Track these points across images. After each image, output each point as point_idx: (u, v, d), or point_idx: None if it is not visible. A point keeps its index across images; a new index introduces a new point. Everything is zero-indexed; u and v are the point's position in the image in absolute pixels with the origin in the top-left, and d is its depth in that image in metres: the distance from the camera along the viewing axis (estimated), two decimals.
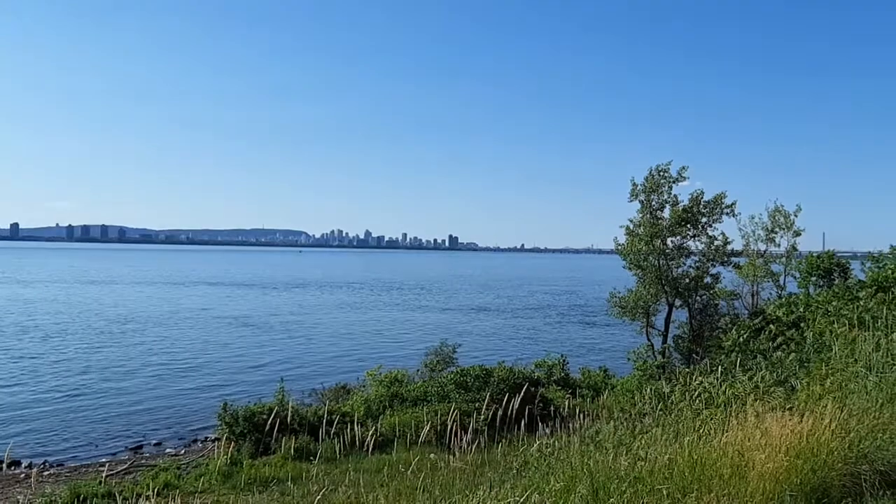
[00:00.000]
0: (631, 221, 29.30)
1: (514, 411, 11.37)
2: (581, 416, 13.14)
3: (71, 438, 25.26)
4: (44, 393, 32.21)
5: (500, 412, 10.98)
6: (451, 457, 10.94)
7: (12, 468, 21.36)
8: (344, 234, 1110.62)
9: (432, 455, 10.55)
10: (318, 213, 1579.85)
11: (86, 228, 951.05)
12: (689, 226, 28.62)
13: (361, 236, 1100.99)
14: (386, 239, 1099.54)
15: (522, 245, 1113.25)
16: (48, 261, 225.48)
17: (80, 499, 15.84)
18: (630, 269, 29.46)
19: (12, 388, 33.08)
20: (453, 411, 11.47)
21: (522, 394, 11.60)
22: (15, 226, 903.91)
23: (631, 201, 29.17)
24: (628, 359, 29.03)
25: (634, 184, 28.89)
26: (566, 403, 16.13)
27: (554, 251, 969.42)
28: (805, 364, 12.27)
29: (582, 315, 76.64)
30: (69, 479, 19.41)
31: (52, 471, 21.23)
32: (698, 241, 29.06)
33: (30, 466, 21.41)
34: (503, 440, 12.16)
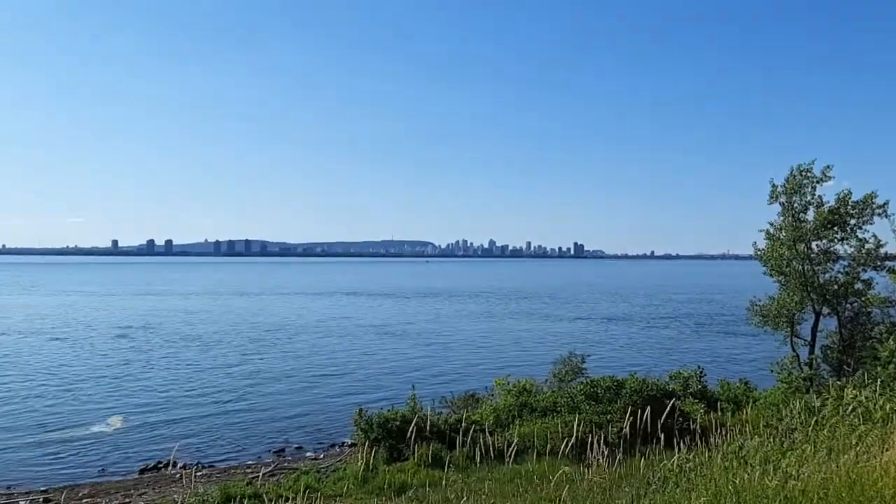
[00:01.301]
0: (771, 225, 27.79)
1: (649, 424, 11.05)
2: (721, 430, 12.59)
3: (220, 442, 26.86)
4: (199, 398, 34.56)
5: (636, 425, 10.70)
6: (587, 469, 10.74)
7: (168, 468, 22.96)
8: (468, 244, 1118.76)
9: (566, 468, 10.40)
10: (443, 223, 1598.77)
11: (231, 243, 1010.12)
12: (836, 228, 26.78)
13: (486, 245, 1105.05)
14: (510, 248, 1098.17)
15: (652, 252, 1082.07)
16: (200, 274, 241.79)
17: (230, 499, 16.71)
18: (771, 275, 27.93)
19: (172, 394, 35.68)
20: (586, 423, 11.28)
21: (659, 407, 11.25)
22: (169, 242, 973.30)
23: (771, 203, 27.65)
24: (771, 370, 27.50)
25: (774, 185, 27.39)
26: (705, 417, 15.50)
27: (686, 258, 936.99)
28: None
29: (719, 324, 73.58)
30: (219, 480, 20.60)
31: (203, 472, 22.59)
32: (847, 244, 27.11)
33: (184, 467, 22.86)
34: (638, 454, 11.83)
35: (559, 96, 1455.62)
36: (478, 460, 12.44)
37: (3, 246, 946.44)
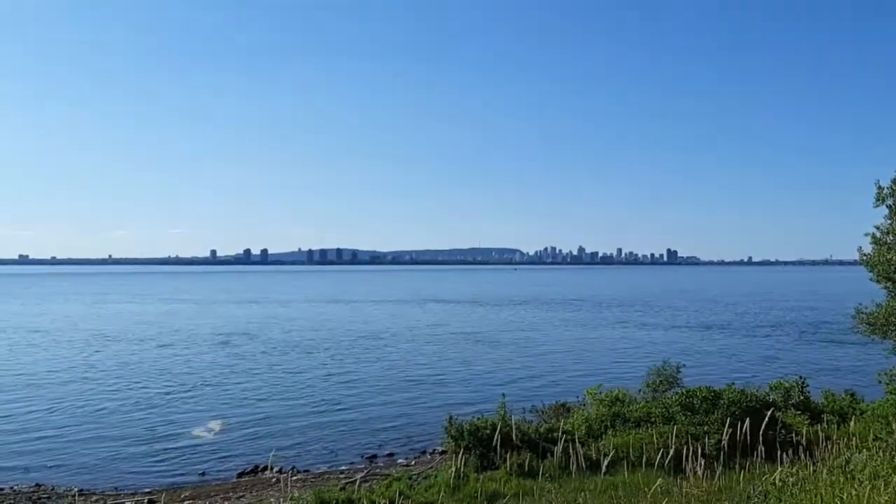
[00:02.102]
0: (878, 228, 26.39)
1: (749, 436, 10.71)
2: (827, 444, 12.06)
3: (315, 447, 27.52)
4: (295, 404, 35.58)
5: (737, 436, 10.38)
6: (684, 482, 10.48)
7: (265, 473, 23.67)
8: (557, 251, 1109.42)
9: (662, 479, 10.17)
10: (531, 230, 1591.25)
11: (323, 252, 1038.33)
12: None
13: (575, 252, 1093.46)
14: (600, 255, 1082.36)
15: (750, 258, 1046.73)
16: (295, 282, 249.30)
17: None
18: (878, 281, 26.50)
19: (270, 400, 36.86)
20: (682, 434, 11.01)
21: (759, 419, 10.88)
22: (264, 251, 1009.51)
23: (876, 206, 26.26)
24: (879, 381, 26.10)
25: (880, 187, 25.98)
26: (807, 430, 14.88)
27: (786, 263, 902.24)
28: None
29: (822, 333, 70.35)
30: (314, 485, 21.04)
31: (299, 476, 23.15)
32: None
33: (280, 472, 23.54)
34: (738, 466, 11.47)
35: (649, 100, 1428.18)
36: (572, 470, 12.32)
37: (110, 256, 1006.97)
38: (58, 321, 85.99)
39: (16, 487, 22.41)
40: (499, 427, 17.06)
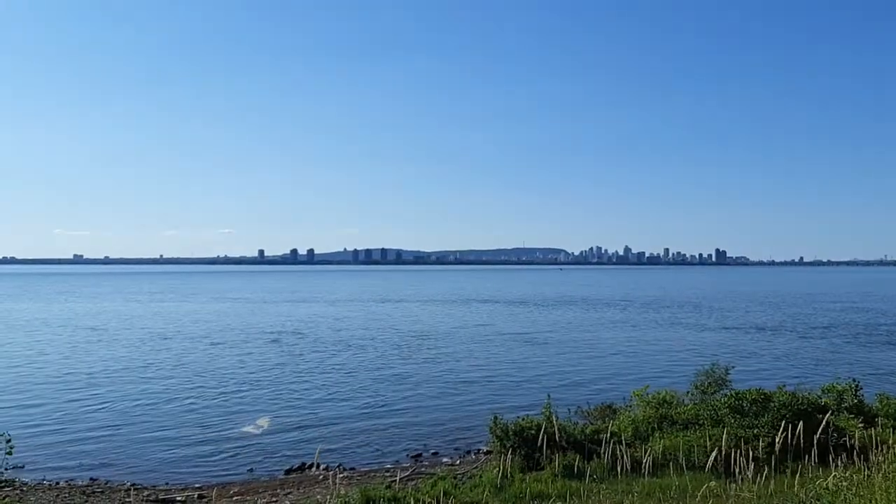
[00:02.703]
0: None
1: (801, 440, 10.51)
2: (882, 448, 11.77)
3: (361, 445, 27.73)
4: (342, 402, 35.89)
5: (788, 440, 10.20)
6: (734, 485, 10.34)
7: (312, 470, 23.95)
8: (603, 251, 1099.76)
9: (712, 482, 10.05)
10: (577, 229, 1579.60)
11: (368, 252, 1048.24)
12: None
13: (621, 252, 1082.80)
14: (646, 255, 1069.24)
15: (801, 258, 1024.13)
16: (342, 282, 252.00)
17: (370, 501, 17.23)
18: None
19: (317, 397, 37.29)
20: (732, 437, 10.85)
21: (810, 422, 10.68)
22: (311, 251, 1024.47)
23: None
24: None
25: None
26: (862, 434, 14.52)
27: (838, 264, 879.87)
28: None
29: (877, 335, 68.38)
30: (360, 483, 21.22)
31: (345, 474, 23.35)
32: None
33: (327, 469, 23.79)
34: (788, 470, 11.27)
35: (695, 101, 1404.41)
36: (619, 471, 12.25)
37: (161, 256, 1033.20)
38: (115, 319, 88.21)
39: (71, 482, 23.00)
40: (544, 427, 17.01)
